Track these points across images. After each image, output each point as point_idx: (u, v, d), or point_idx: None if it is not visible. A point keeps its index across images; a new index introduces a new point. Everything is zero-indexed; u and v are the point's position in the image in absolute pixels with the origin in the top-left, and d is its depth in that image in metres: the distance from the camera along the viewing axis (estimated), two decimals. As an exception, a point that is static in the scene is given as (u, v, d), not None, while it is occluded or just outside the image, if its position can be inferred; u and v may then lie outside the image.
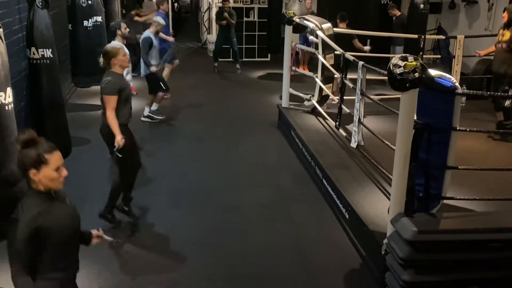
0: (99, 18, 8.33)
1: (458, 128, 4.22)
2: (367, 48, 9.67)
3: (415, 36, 9.04)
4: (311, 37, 8.06)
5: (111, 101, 4.71)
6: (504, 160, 6.07)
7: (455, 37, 8.88)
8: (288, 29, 8.26)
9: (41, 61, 5.75)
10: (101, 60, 4.85)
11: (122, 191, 5.10)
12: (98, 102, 9.21)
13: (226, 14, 11.89)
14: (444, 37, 10.90)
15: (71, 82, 9.21)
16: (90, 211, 4.75)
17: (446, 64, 10.30)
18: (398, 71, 3.73)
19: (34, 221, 2.44)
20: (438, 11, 13.55)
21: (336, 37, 7.82)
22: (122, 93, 4.76)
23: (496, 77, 6.90)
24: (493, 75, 7.02)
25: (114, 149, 4.69)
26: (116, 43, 6.69)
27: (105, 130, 4.83)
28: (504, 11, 6.78)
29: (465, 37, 8.88)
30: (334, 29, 8.09)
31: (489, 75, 8.74)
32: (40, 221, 2.46)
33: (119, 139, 4.64)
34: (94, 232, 2.95)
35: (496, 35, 7.30)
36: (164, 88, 8.34)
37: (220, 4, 12.35)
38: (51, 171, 2.51)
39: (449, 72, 8.09)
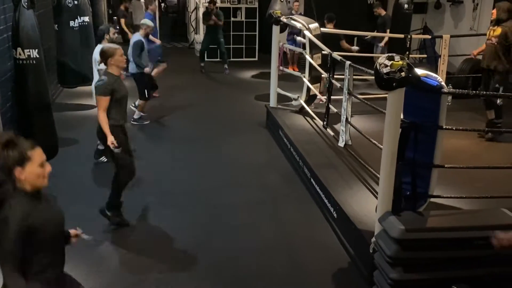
0: (86, 18, 8.29)
1: (444, 127, 4.26)
2: (355, 48, 9.72)
3: (401, 35, 9.11)
4: (299, 38, 8.09)
5: (103, 101, 4.71)
6: (492, 159, 6.12)
7: (441, 37, 8.96)
8: (275, 29, 8.28)
9: (27, 61, 5.70)
10: (98, 59, 4.84)
11: (122, 189, 5.08)
12: (85, 102, 9.30)
13: (213, 16, 11.90)
14: (430, 37, 11.00)
15: (58, 83, 9.15)
16: (78, 211, 4.72)
17: (432, 63, 10.39)
18: (384, 70, 3.75)
19: (24, 221, 2.45)
20: (424, 11, 13.67)
21: (323, 38, 7.85)
22: (115, 94, 4.74)
23: (486, 74, 6.90)
24: (483, 72, 7.03)
25: (112, 148, 4.70)
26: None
27: (100, 131, 4.82)
28: (493, 9, 6.87)
29: (451, 36, 8.96)
30: (321, 29, 8.12)
31: (474, 74, 8.86)
32: (30, 220, 2.46)
33: (111, 140, 4.66)
34: (72, 231, 2.95)
35: (482, 34, 7.40)
36: (146, 97, 8.30)
37: (207, 5, 12.36)
38: (36, 167, 2.53)
39: (435, 71, 8.15)
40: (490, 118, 6.92)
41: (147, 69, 7.98)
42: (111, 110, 4.75)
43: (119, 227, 5.08)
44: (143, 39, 8.09)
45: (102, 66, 6.62)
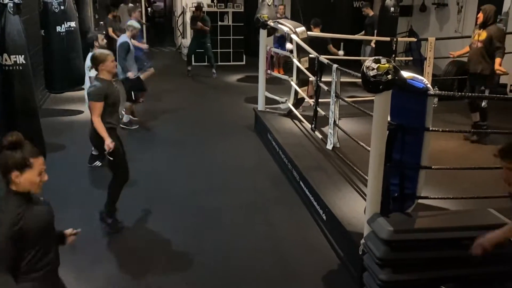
0: (72, 24, 8.24)
1: (430, 129, 4.32)
2: (340, 52, 9.80)
3: (388, 38, 9.19)
4: (288, 45, 8.12)
5: (97, 107, 4.72)
6: (478, 160, 6.17)
7: (426, 39, 9.06)
8: (262, 33, 8.32)
9: (14, 67, 5.65)
10: (89, 65, 4.85)
11: (119, 192, 5.09)
12: (72, 108, 9.25)
13: (200, 24, 11.95)
14: (415, 40, 11.10)
15: (45, 88, 9.09)
16: (67, 216, 4.69)
17: (417, 66, 10.46)
18: (371, 73, 3.79)
19: (16, 221, 2.45)
20: (409, 14, 13.80)
21: (312, 42, 7.91)
22: (108, 99, 4.76)
23: (471, 77, 6.92)
24: (468, 75, 7.06)
25: (105, 153, 4.72)
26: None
27: (94, 136, 4.83)
28: (479, 12, 6.84)
29: (436, 39, 9.06)
30: (308, 32, 8.17)
31: (460, 76, 8.96)
32: (21, 223, 2.47)
33: (109, 143, 4.68)
34: (67, 231, 2.95)
35: (466, 36, 7.46)
36: (133, 99, 8.30)
37: (194, 9, 12.39)
38: (34, 175, 2.55)
39: (421, 73, 8.23)
40: (475, 121, 6.96)
41: (130, 74, 7.94)
42: (104, 114, 4.77)
43: (114, 231, 5.07)
44: (129, 41, 8.07)
45: (93, 72, 6.66)
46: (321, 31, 9.74)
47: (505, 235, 3.10)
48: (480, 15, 6.77)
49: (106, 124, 4.77)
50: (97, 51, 5.09)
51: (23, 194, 2.56)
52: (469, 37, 7.23)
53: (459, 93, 6.27)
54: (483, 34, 6.67)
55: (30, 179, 2.54)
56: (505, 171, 2.80)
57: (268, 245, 4.98)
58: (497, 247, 3.13)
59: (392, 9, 9.77)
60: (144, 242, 5.00)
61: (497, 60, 6.57)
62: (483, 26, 6.69)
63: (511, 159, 2.76)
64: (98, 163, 6.59)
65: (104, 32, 11.25)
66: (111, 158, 4.79)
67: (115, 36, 11.31)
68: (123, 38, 8.14)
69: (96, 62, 4.82)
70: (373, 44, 10.68)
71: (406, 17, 13.45)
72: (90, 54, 6.87)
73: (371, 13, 11.29)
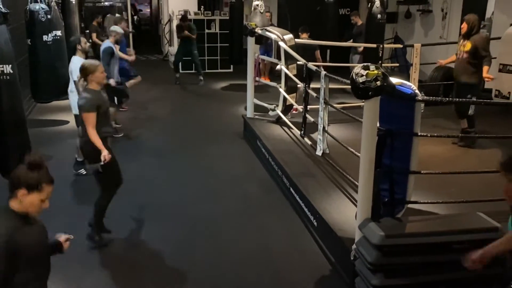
0: (58, 32, 8.19)
1: (419, 134, 4.36)
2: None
3: (374, 45, 9.28)
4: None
5: (90, 118, 4.64)
6: (466, 165, 6.22)
7: (412, 46, 9.16)
8: (250, 40, 8.35)
9: (1, 77, 5.58)
10: (78, 75, 4.80)
11: (106, 208, 5.01)
12: (59, 118, 9.20)
13: (186, 32, 11.99)
14: (401, 46, 11.22)
15: (31, 98, 9.02)
16: (54, 226, 4.62)
17: (403, 72, 10.58)
18: (360, 80, 3.82)
19: (9, 243, 2.41)
20: (394, 21, 13.95)
21: (302, 48, 7.98)
22: (100, 108, 4.71)
23: (458, 86, 6.92)
24: (455, 84, 7.06)
25: (99, 164, 4.65)
26: (78, 59, 6.63)
27: (87, 147, 4.77)
28: (462, 22, 6.86)
29: (422, 45, 9.16)
30: (296, 40, 8.22)
31: (445, 81, 9.06)
32: (15, 241, 2.43)
33: (106, 154, 4.61)
34: (61, 238, 2.94)
35: (451, 42, 7.54)
36: (115, 102, 8.25)
37: (180, 18, 12.44)
38: (39, 200, 2.56)
39: (407, 79, 8.30)
40: (463, 127, 6.98)
41: (111, 81, 7.89)
42: (98, 125, 4.69)
43: (102, 245, 5.01)
44: (113, 46, 8.05)
45: (76, 76, 6.59)
46: (309, 38, 9.82)
47: (504, 247, 2.99)
48: (464, 26, 6.77)
49: (102, 134, 4.71)
50: (87, 61, 4.99)
51: (20, 214, 2.54)
52: (455, 43, 7.30)
53: (446, 99, 6.34)
54: (468, 45, 6.69)
55: (33, 202, 2.54)
56: (506, 184, 2.74)
57: (259, 252, 4.97)
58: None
59: (379, 16, 9.87)
60: (134, 252, 4.95)
61: (485, 68, 6.63)
62: (468, 36, 6.72)
63: None
64: (82, 170, 6.53)
65: (90, 41, 11.25)
66: (101, 171, 4.69)
67: (99, 42, 11.28)
68: (107, 43, 8.10)
69: (86, 73, 4.76)
70: (360, 50, 10.77)
71: (391, 24, 13.59)
72: (73, 58, 6.85)
73: (359, 22, 11.39)
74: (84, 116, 4.69)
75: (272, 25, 11.71)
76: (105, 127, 4.81)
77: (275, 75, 10.10)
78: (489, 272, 3.62)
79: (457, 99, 6.84)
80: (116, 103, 8.24)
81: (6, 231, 2.43)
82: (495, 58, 8.25)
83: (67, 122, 8.86)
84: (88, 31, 12.84)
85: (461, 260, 3.09)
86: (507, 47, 8.05)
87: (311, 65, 6.77)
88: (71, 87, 6.90)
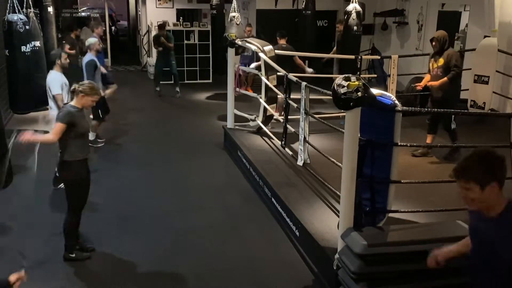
0: (37, 43, 8.08)
1: (399, 144, 4.43)
2: (310, 70, 9.97)
3: (352, 56, 9.41)
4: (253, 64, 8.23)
5: (57, 127, 4.60)
6: (445, 174, 6.22)
7: (390, 57, 9.31)
8: (230, 51, 8.39)
9: (-21, 88, 5.53)
10: (75, 85, 4.75)
11: (75, 226, 4.92)
12: (37, 128, 9.01)
13: (163, 39, 11.98)
14: (379, 57, 11.40)
15: (8, 108, 8.88)
16: (32, 239, 4.59)
17: (381, 83, 10.74)
18: (342, 90, 3.89)
19: None
20: (371, 33, 14.16)
21: (280, 56, 8.07)
22: (76, 127, 4.64)
23: (435, 103, 6.91)
24: (431, 102, 7.08)
25: (57, 181, 4.63)
26: (55, 73, 6.63)
27: (61, 168, 4.81)
28: (432, 40, 6.91)
29: (399, 56, 9.32)
30: (276, 51, 8.28)
31: (422, 92, 9.20)
32: None
33: (29, 136, 4.56)
34: (12, 278, 2.87)
35: (427, 54, 7.65)
36: (100, 117, 8.25)
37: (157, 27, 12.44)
38: None
39: (385, 90, 8.42)
40: (427, 142, 6.97)
41: (100, 92, 7.87)
42: (73, 146, 4.65)
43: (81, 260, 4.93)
44: (95, 58, 8.05)
45: (57, 91, 6.53)
46: (288, 43, 9.92)
47: (459, 250, 3.04)
48: (435, 44, 6.83)
49: (74, 156, 4.66)
50: (85, 84, 4.85)
51: None
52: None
53: (425, 109, 6.43)
54: (441, 61, 6.77)
55: None
56: (461, 190, 2.72)
57: (241, 263, 4.97)
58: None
59: (355, 28, 10.01)
60: (115, 264, 4.90)
61: (444, 79, 6.67)
62: (441, 52, 6.79)
63: (465, 178, 2.68)
64: (62, 185, 6.45)
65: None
66: (62, 185, 4.71)
67: (71, 52, 11.20)
68: (89, 56, 8.09)
69: (80, 91, 4.70)
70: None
71: (368, 35, 13.79)
72: (51, 72, 6.81)
73: None
74: (55, 124, 4.67)
75: (253, 37, 11.80)
76: (78, 151, 4.71)
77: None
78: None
79: (435, 119, 6.89)
80: (100, 115, 8.21)
81: None
82: (470, 69, 8.46)
83: (46, 132, 8.72)
84: (64, 41, 12.72)
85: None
86: (481, 58, 8.24)
87: (291, 76, 6.82)
88: (51, 103, 6.87)
